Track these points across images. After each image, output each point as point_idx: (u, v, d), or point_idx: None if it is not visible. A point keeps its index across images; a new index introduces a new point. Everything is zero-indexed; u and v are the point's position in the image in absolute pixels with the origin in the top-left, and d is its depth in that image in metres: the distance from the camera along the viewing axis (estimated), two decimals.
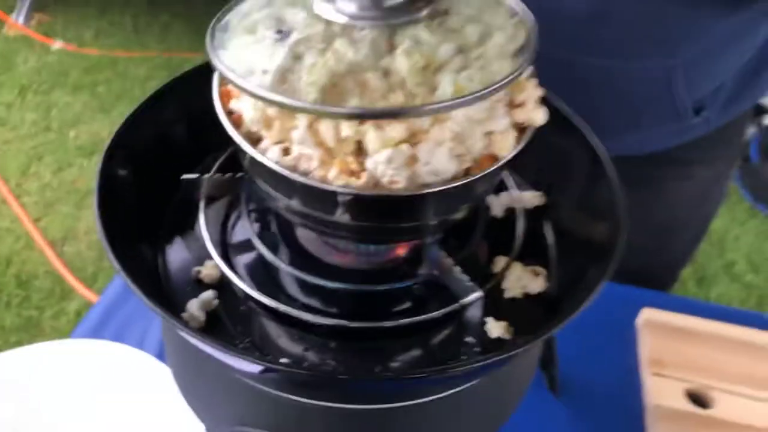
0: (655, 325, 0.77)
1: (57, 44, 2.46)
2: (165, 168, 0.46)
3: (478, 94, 0.30)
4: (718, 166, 0.90)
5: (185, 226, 0.47)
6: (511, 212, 0.49)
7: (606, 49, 0.72)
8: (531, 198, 0.51)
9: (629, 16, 0.69)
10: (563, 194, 0.51)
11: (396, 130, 0.32)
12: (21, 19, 2.53)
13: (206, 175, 0.45)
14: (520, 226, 0.46)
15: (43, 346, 0.66)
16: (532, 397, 0.72)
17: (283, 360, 0.39)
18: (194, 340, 0.35)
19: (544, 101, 0.49)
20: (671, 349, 0.75)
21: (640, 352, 0.78)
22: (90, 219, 1.87)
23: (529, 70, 0.40)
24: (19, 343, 0.68)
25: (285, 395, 0.39)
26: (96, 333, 0.73)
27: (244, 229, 0.46)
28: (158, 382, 0.63)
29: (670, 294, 0.87)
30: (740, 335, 0.75)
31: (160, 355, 0.66)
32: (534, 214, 0.51)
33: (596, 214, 0.46)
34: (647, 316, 0.79)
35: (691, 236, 0.99)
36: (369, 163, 0.33)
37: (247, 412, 0.42)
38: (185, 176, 0.44)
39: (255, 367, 0.35)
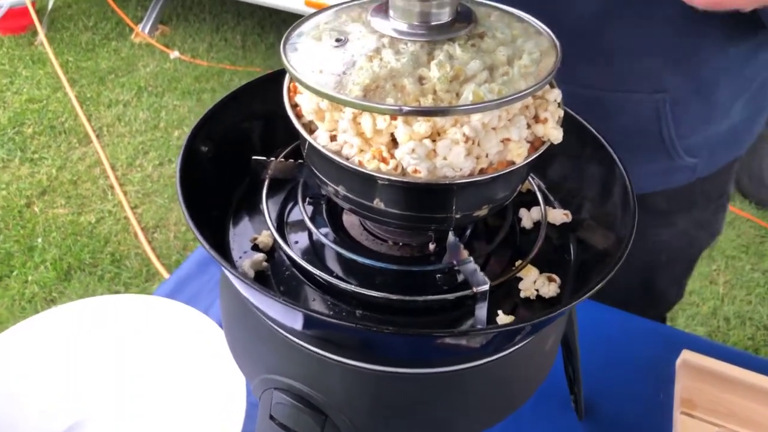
0: (691, 367, 0.78)
1: (174, 54, 2.72)
2: (241, 151, 0.55)
3: (490, 103, 0.36)
4: (701, 215, 0.89)
5: (252, 201, 0.55)
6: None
7: (599, 74, 0.71)
8: (558, 215, 0.55)
9: (625, 34, 0.68)
10: (589, 215, 0.54)
11: (421, 126, 0.38)
12: (147, 29, 2.82)
13: (273, 159, 0.53)
14: (542, 235, 0.51)
15: (127, 297, 0.76)
16: (556, 417, 0.75)
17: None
18: (242, 285, 0.42)
19: (587, 132, 0.54)
20: (704, 391, 0.75)
21: (674, 391, 0.78)
22: (180, 212, 2.05)
23: (556, 92, 0.45)
24: None
25: (313, 349, 0.45)
26: (171, 296, 0.83)
27: (299, 210, 0.53)
28: (213, 342, 0.72)
29: (718, 343, 0.86)
30: None
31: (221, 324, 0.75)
32: (561, 230, 0.55)
33: (610, 236, 0.49)
34: (686, 357, 0.79)
35: (679, 272, 0.98)
36: (397, 152, 0.39)
37: (279, 363, 0.48)
38: (255, 157, 0.53)
39: (287, 314, 0.42)
